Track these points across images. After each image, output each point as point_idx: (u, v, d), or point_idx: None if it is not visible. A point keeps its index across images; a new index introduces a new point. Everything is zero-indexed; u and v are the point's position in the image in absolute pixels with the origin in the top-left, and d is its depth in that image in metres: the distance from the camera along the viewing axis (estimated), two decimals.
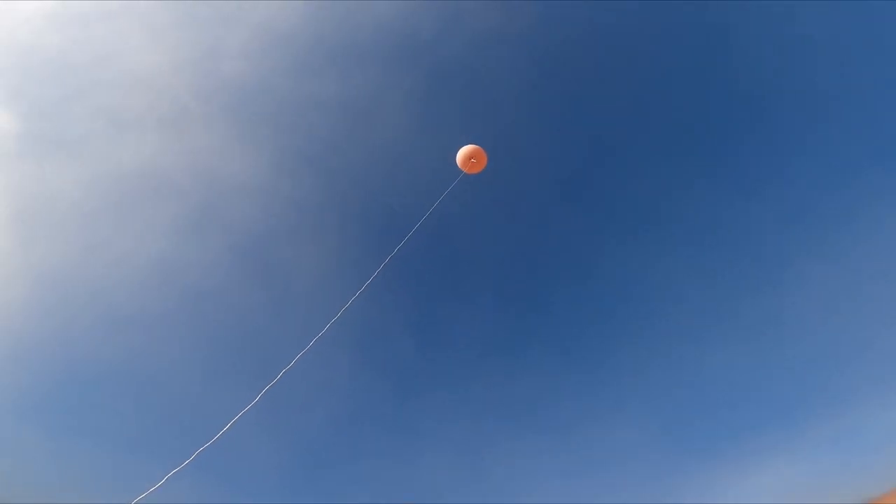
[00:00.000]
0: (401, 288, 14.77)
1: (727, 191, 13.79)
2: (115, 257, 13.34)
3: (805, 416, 11.99)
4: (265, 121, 14.59)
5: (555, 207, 14.83)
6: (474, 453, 13.53)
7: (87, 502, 11.20)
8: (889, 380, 11.36)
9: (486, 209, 14.77)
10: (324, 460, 13.54)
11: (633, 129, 14.40)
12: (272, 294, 15.07)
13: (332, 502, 12.81)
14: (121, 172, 13.81)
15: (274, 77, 14.29)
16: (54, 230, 12.71)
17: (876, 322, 11.87)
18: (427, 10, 14.84)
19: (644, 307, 13.91)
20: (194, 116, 14.12)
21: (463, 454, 13.61)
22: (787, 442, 11.91)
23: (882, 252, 12.19)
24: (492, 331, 14.59)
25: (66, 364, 12.27)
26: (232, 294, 14.67)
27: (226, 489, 12.40)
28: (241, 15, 14.20)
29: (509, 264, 15.05)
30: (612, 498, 12.35)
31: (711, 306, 13.40)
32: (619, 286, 14.21)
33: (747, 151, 13.68)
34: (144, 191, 14.14)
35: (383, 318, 14.93)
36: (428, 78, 15.01)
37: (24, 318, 12.07)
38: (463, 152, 7.94)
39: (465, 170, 7.92)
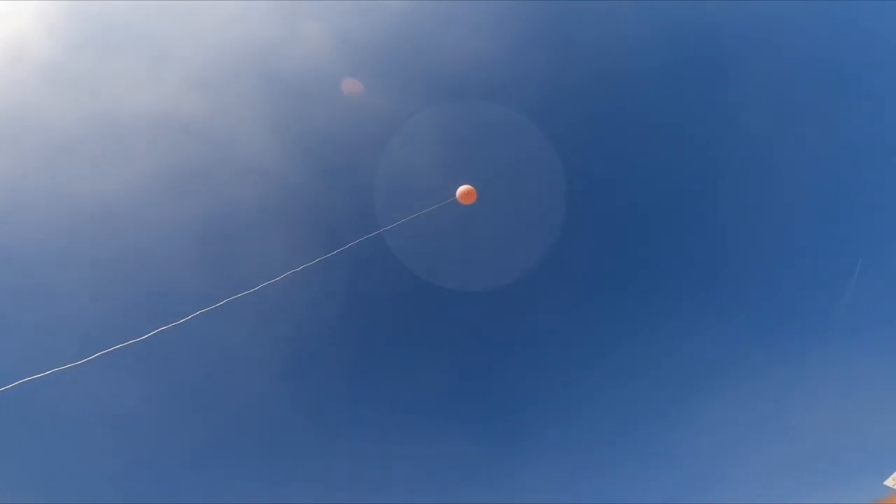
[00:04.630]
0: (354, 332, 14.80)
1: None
2: (68, 199, 12.41)
3: None
4: (295, 117, 14.25)
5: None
6: None
7: None
8: None
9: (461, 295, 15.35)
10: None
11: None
12: (224, 284, 13.54)
13: None
14: (131, 114, 13.37)
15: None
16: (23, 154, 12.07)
17: None
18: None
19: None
20: (229, 85, 13.90)
21: None
22: None
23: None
24: (437, 394, 14.82)
25: None
26: (178, 268, 13.20)
27: None
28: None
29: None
30: None
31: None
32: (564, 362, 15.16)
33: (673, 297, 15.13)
34: (146, 137, 13.52)
35: (326, 356, 13.84)
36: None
37: None
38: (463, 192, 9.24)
39: (462, 198, 9.00)
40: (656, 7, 14.51)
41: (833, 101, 14.10)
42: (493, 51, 14.83)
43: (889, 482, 9.40)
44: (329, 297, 13.91)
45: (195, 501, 12.53)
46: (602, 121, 14.64)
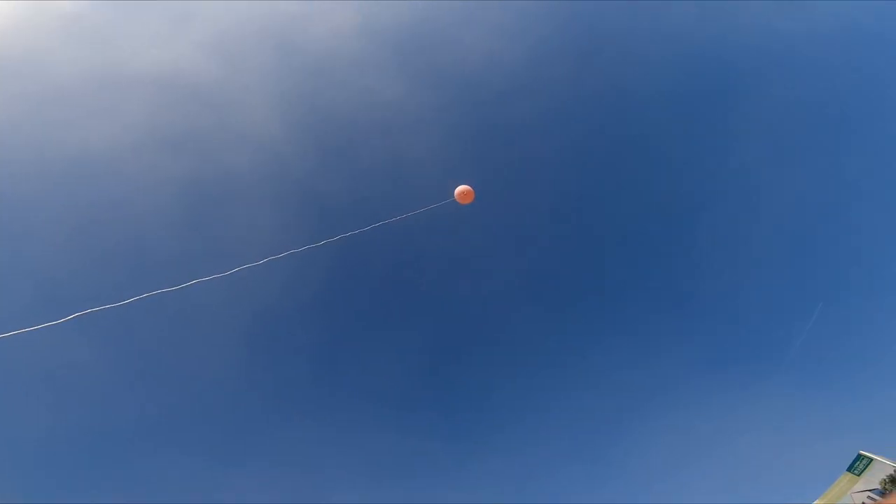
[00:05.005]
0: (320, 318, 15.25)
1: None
2: (55, 145, 12.70)
3: None
4: (303, 93, 14.55)
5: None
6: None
7: None
8: None
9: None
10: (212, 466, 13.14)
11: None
12: (202, 251, 14.12)
13: None
14: (139, 70, 13.72)
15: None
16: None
17: None
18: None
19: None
20: (244, 53, 14.08)
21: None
22: None
23: None
24: (400, 388, 15.23)
25: None
26: (156, 227, 13.69)
27: None
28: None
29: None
30: None
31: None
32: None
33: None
34: (148, 94, 13.86)
35: (294, 338, 14.37)
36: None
37: None
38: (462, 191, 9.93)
39: (460, 197, 9.67)
40: (671, 33, 14.86)
41: (819, 151, 14.65)
42: (509, 54, 15.17)
43: None
44: (305, 281, 14.19)
45: (145, 472, 12.64)
46: (594, 141, 15.11)
